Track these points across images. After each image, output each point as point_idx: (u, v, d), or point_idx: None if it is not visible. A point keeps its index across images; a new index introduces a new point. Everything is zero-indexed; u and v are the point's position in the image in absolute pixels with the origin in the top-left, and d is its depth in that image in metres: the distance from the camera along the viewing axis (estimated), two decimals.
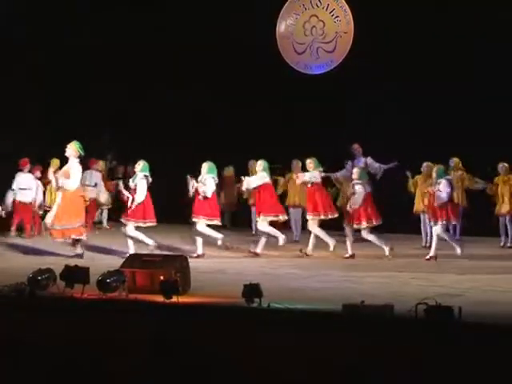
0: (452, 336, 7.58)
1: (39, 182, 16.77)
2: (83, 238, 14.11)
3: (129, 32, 19.13)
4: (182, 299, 9.29)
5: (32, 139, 17.79)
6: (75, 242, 14.06)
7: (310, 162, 14.91)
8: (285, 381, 7.60)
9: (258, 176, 14.71)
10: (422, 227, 15.92)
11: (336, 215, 14.86)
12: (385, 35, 17.27)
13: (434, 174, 14.25)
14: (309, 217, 14.78)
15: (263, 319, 8.51)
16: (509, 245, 15.59)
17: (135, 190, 14.12)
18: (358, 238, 14.46)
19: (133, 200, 14.07)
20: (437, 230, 14.05)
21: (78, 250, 13.99)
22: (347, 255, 14.24)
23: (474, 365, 7.19)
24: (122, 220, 14.20)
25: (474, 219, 16.35)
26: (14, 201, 16.54)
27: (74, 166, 14.05)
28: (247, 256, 14.51)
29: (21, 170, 16.67)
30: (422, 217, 15.84)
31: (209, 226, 14.41)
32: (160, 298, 9.23)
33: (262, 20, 18.89)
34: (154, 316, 8.70)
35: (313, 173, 14.83)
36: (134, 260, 10.74)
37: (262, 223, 14.58)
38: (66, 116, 19.08)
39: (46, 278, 9.79)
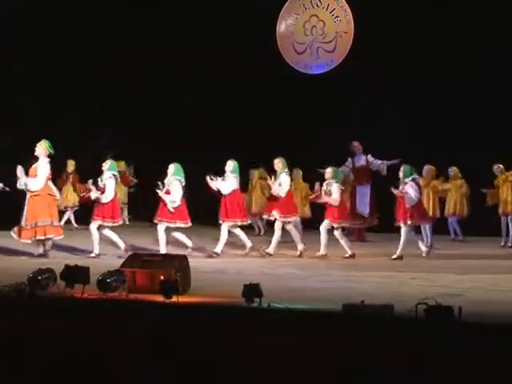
0: (452, 336, 7.58)
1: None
2: (54, 237, 14.10)
3: (129, 32, 19.14)
4: (182, 299, 9.28)
5: (32, 139, 17.77)
6: (42, 241, 14.03)
7: (278, 162, 14.72)
8: (285, 381, 7.60)
9: (230, 181, 14.51)
10: (422, 230, 15.91)
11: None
12: (385, 35, 17.28)
13: (400, 174, 14.23)
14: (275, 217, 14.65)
15: (263, 319, 8.51)
16: (509, 244, 15.59)
17: (103, 189, 14.17)
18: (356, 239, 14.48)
19: (100, 198, 14.11)
20: (404, 230, 14.03)
21: (41, 249, 14.04)
22: (347, 255, 14.25)
23: (474, 365, 7.19)
24: (92, 220, 14.25)
25: (475, 219, 16.43)
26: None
27: (41, 164, 14.03)
28: (247, 256, 14.53)
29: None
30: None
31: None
32: (160, 298, 9.23)
33: (262, 20, 18.90)
34: (154, 316, 8.70)
35: (282, 187, 14.57)
36: (134, 260, 10.73)
37: (229, 228, 14.48)
38: (65, 116, 19.09)
39: (46, 278, 9.77)
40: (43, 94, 19.29)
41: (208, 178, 14.39)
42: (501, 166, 15.65)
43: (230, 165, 14.52)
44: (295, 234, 14.69)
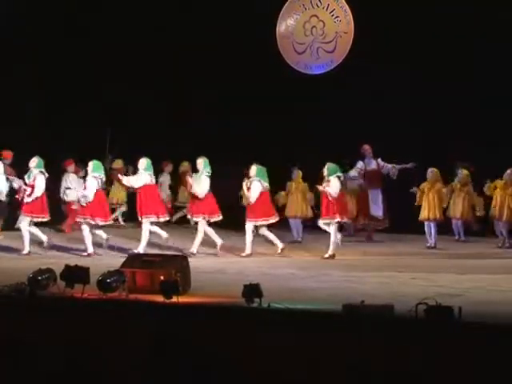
0: (452, 336, 7.58)
1: (82, 180, 16.90)
2: None
3: (128, 32, 19.11)
4: (182, 299, 9.28)
5: (32, 138, 17.78)
6: None
7: (199, 163, 14.75)
8: (285, 381, 7.60)
9: (141, 176, 14.66)
10: (426, 229, 15.92)
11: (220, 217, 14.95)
12: (385, 35, 17.27)
13: (325, 172, 14.36)
14: (198, 218, 14.72)
15: (263, 319, 8.51)
16: (507, 245, 15.55)
17: (32, 186, 14.44)
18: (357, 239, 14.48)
19: (30, 195, 14.40)
20: (332, 228, 14.23)
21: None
22: (327, 255, 14.26)
23: (474, 365, 7.19)
24: (21, 214, 14.56)
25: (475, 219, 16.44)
26: (62, 200, 17.20)
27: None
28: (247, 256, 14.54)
29: (65, 171, 17.24)
30: (425, 223, 15.84)
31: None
32: (160, 298, 9.23)
33: (262, 20, 18.89)
34: (154, 316, 8.70)
35: (202, 187, 14.68)
36: (134, 260, 10.74)
37: (146, 224, 14.54)
38: (66, 116, 19.07)
39: (46, 278, 9.78)
40: (43, 94, 19.27)
41: (120, 176, 14.77)
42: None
43: (143, 163, 14.73)
44: (211, 233, 14.72)
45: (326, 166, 14.39)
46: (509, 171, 15.43)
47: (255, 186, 14.51)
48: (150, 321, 8.53)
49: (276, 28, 19.54)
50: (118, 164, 18.06)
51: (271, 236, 14.70)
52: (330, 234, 14.35)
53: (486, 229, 16.36)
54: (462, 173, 16.00)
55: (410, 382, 7.31)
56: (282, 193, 16.57)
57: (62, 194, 17.20)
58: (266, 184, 14.68)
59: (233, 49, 18.65)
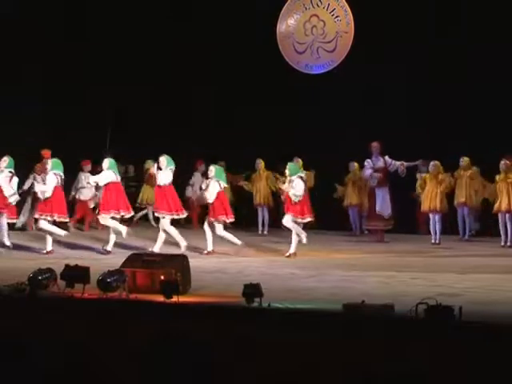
0: (452, 336, 7.58)
1: None
2: None
3: (128, 32, 19.12)
4: (183, 299, 9.29)
5: (31, 138, 17.79)
6: None
7: (162, 160, 14.77)
8: (285, 381, 7.60)
9: (105, 174, 14.84)
10: (431, 226, 15.93)
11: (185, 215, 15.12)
12: (385, 35, 17.28)
13: (287, 172, 14.47)
14: (160, 215, 14.78)
15: (263, 319, 8.51)
16: (509, 244, 15.57)
17: None
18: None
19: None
20: (287, 222, 14.33)
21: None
22: (288, 254, 14.35)
23: (474, 365, 7.19)
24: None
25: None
26: (74, 198, 17.68)
27: None
28: (247, 256, 14.54)
29: (82, 170, 17.71)
30: (430, 216, 15.87)
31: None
32: (160, 298, 9.24)
33: (263, 20, 18.90)
34: (154, 316, 8.70)
35: (166, 174, 14.75)
36: (135, 260, 10.73)
37: (105, 220, 14.77)
38: (65, 116, 19.07)
39: (47, 278, 9.78)
40: (43, 94, 19.29)
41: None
42: (508, 162, 15.57)
43: (106, 162, 14.91)
44: (174, 233, 14.80)
45: (288, 166, 14.57)
46: (503, 162, 15.50)
47: (213, 185, 14.69)
48: (151, 320, 8.53)
49: (276, 28, 19.55)
50: (149, 164, 18.21)
51: (228, 236, 14.81)
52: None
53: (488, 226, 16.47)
54: (464, 160, 16.08)
55: (410, 381, 7.31)
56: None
57: (74, 192, 17.64)
58: (224, 184, 14.89)
59: (233, 49, 18.67)
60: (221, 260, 14.05)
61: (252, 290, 9.00)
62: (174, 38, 19.28)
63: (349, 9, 18.80)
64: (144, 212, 18.95)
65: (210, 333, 8.03)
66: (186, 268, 10.52)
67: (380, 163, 16.51)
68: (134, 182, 19.27)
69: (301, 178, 14.41)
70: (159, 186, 14.74)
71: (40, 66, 19.07)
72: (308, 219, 14.53)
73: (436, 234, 15.75)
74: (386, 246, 16.02)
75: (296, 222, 14.35)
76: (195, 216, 18.16)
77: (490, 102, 16.70)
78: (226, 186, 15.20)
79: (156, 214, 15.10)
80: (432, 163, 15.81)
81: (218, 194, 14.71)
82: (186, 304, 9.16)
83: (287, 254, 14.34)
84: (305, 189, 14.43)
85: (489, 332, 7.53)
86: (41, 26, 18.98)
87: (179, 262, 10.53)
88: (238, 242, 14.74)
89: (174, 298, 9.18)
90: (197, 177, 18.35)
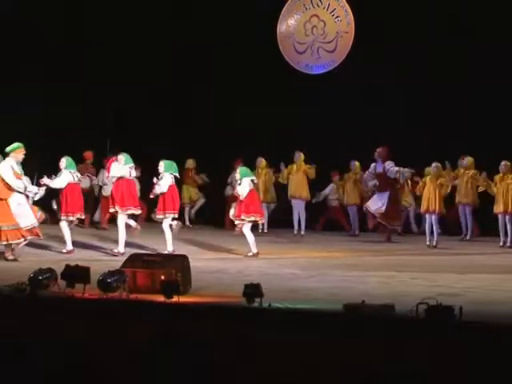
0: (452, 336, 7.58)
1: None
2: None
3: (128, 32, 19.12)
4: (183, 299, 9.29)
5: (31, 138, 17.78)
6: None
7: (120, 159, 14.61)
8: (285, 381, 7.60)
9: (63, 176, 14.64)
10: (426, 227, 15.93)
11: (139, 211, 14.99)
12: (385, 35, 17.28)
13: (237, 176, 14.67)
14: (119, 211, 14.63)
15: (263, 319, 8.51)
16: (508, 244, 15.58)
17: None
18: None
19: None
20: (245, 228, 14.39)
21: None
22: (250, 254, 14.33)
23: (474, 365, 7.19)
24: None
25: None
26: (100, 195, 18.03)
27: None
28: (246, 256, 14.53)
29: (104, 167, 17.54)
30: (427, 217, 15.87)
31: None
32: (161, 298, 9.24)
33: (263, 20, 18.90)
34: (154, 316, 8.70)
35: (122, 168, 14.64)
36: (135, 260, 10.73)
37: (63, 222, 14.58)
38: (65, 116, 19.07)
39: (47, 278, 9.78)
40: (43, 94, 19.29)
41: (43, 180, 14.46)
42: (508, 163, 15.57)
43: (64, 161, 14.72)
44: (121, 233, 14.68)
45: (238, 170, 14.81)
46: (503, 163, 15.48)
47: (166, 178, 14.52)
48: (151, 321, 8.53)
49: (277, 28, 19.55)
50: (190, 164, 18.30)
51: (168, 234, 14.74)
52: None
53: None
54: (467, 159, 16.14)
55: (410, 381, 7.31)
56: (285, 170, 16.89)
57: (99, 190, 17.98)
58: (175, 175, 14.75)
59: (233, 49, 18.67)
60: (221, 260, 14.05)
61: (252, 290, 9.00)
62: (174, 37, 19.27)
63: (349, 9, 18.81)
64: (196, 207, 19.09)
65: (210, 333, 8.02)
66: (187, 268, 10.52)
67: (380, 169, 16.55)
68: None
69: (251, 181, 14.52)
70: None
71: (40, 65, 19.07)
72: (253, 218, 14.51)
73: (433, 235, 15.69)
74: (386, 245, 16.03)
75: (244, 221, 14.39)
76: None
77: (490, 102, 16.71)
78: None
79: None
80: (434, 165, 15.79)
81: (170, 187, 14.47)
82: (186, 304, 9.16)
83: (249, 253, 14.32)
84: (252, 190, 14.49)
85: (489, 332, 7.53)
86: (41, 26, 18.99)
87: (179, 262, 10.53)
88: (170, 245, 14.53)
89: (175, 298, 9.18)
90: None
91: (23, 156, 13.92)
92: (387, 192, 16.42)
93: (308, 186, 17.60)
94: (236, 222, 14.64)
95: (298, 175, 17.41)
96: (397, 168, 16.28)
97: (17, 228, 13.57)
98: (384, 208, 16.26)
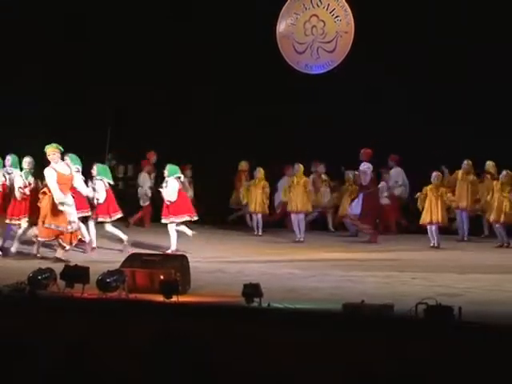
0: (452, 336, 7.58)
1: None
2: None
3: (128, 32, 19.12)
4: (182, 299, 9.29)
5: (31, 138, 17.79)
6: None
7: (66, 160, 14.37)
8: (285, 381, 7.60)
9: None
10: (428, 230, 15.91)
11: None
12: (385, 35, 17.27)
13: (165, 173, 14.69)
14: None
15: (263, 319, 8.51)
16: (506, 245, 15.54)
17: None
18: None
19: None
20: (171, 227, 14.46)
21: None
22: (169, 251, 14.32)
23: (474, 365, 7.19)
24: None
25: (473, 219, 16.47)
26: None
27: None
28: (247, 256, 14.53)
29: (141, 170, 18.30)
30: (428, 226, 15.83)
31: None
32: (160, 298, 9.24)
33: (262, 20, 18.89)
34: (154, 316, 8.70)
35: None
36: (134, 259, 10.74)
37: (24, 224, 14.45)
38: (65, 116, 19.08)
39: (47, 278, 9.79)
40: (43, 94, 19.29)
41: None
42: (510, 172, 15.48)
43: (9, 160, 14.77)
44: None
45: (167, 168, 14.77)
46: (504, 172, 15.39)
47: (99, 185, 14.59)
48: (150, 320, 8.53)
49: (276, 28, 19.55)
50: (243, 166, 18.24)
51: (116, 231, 14.82)
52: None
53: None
54: (467, 163, 16.12)
55: (410, 381, 7.31)
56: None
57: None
58: (109, 181, 14.82)
59: (233, 49, 18.67)
60: (221, 260, 14.04)
61: (252, 290, 9.01)
62: (174, 37, 19.26)
63: (349, 9, 18.79)
64: (240, 213, 18.87)
65: (210, 332, 8.03)
66: (186, 268, 10.52)
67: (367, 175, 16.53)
68: (134, 181, 19.28)
69: (178, 178, 14.55)
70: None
71: (40, 66, 19.05)
72: (187, 217, 14.61)
73: (434, 237, 15.68)
74: (386, 246, 16.00)
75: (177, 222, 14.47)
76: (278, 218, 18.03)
77: (490, 102, 16.70)
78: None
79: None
80: (434, 174, 15.73)
81: (106, 192, 14.59)
82: (185, 304, 9.17)
83: (169, 250, 14.31)
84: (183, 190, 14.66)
85: (488, 332, 7.53)
86: (41, 26, 18.98)
87: (179, 262, 10.54)
88: (125, 237, 14.67)
89: (174, 298, 9.18)
90: (285, 180, 17.78)
91: (57, 156, 13.81)
92: (361, 194, 16.41)
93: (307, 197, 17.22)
94: (163, 221, 14.62)
95: (298, 189, 16.65)
96: (369, 172, 16.29)
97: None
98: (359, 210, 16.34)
